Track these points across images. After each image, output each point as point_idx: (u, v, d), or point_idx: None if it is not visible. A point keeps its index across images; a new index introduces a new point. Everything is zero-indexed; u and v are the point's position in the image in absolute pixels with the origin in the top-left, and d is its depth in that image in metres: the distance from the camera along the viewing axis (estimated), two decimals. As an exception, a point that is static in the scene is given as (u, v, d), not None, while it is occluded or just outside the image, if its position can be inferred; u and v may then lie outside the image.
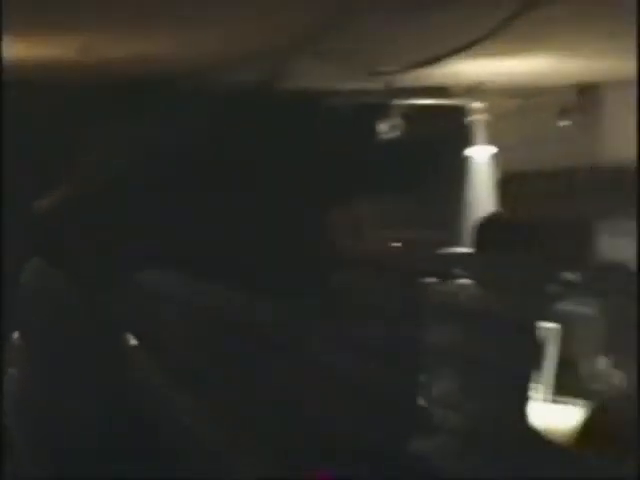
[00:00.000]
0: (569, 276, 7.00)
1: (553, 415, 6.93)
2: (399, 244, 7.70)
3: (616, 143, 7.97)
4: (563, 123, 7.86)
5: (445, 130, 8.02)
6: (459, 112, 7.98)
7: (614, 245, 7.89)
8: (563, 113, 7.85)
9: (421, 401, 7.36)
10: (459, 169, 8.17)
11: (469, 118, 7.94)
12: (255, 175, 7.73)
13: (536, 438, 3.19)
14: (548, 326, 7.63)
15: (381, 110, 7.29)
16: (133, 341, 6.83)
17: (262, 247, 7.47)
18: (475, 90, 7.69)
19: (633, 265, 7.65)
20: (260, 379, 6.05)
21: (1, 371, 5.78)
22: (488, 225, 6.57)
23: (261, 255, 7.45)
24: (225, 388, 6.37)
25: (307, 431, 3.58)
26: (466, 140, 8.07)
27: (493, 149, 8.02)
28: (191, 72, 6.54)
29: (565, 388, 7.59)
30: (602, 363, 7.62)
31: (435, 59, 5.28)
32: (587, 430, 3.16)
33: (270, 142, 7.89)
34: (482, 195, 7.83)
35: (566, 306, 7.49)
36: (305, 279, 7.18)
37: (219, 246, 7.48)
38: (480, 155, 8.09)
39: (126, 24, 4.92)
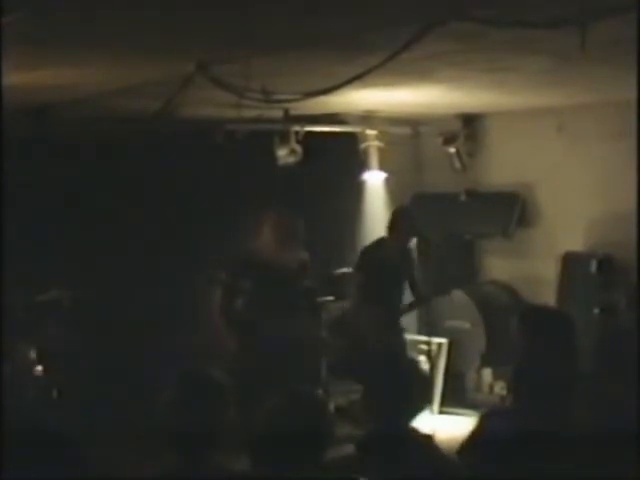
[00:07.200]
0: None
1: (441, 426, 7.25)
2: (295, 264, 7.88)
3: (497, 169, 8.43)
4: (448, 150, 8.28)
5: (340, 156, 8.26)
6: (353, 139, 8.18)
7: (492, 264, 8.31)
8: (448, 141, 8.27)
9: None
10: (354, 192, 8.43)
11: (363, 144, 8.14)
12: (156, 201, 7.77)
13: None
14: (437, 340, 7.99)
15: (280, 136, 7.50)
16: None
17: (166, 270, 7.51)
18: (368, 118, 7.90)
19: (508, 283, 8.04)
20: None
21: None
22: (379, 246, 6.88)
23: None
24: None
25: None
26: (360, 165, 8.28)
27: (385, 174, 8.30)
28: (89, 98, 6.56)
29: (453, 399, 7.94)
30: (487, 375, 8.01)
31: (330, 88, 5.47)
32: (473, 439, 3.37)
33: (169, 169, 7.97)
34: (376, 217, 8.12)
35: (451, 323, 7.83)
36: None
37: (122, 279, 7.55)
38: (373, 179, 8.33)
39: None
